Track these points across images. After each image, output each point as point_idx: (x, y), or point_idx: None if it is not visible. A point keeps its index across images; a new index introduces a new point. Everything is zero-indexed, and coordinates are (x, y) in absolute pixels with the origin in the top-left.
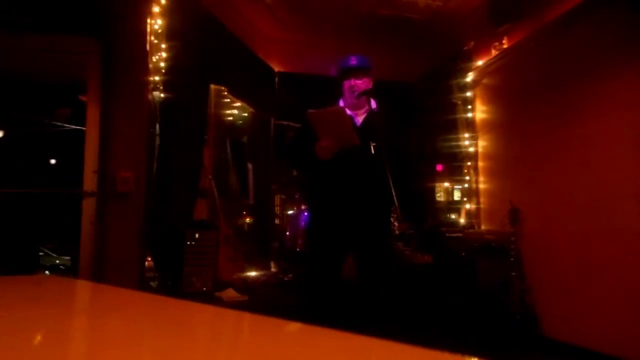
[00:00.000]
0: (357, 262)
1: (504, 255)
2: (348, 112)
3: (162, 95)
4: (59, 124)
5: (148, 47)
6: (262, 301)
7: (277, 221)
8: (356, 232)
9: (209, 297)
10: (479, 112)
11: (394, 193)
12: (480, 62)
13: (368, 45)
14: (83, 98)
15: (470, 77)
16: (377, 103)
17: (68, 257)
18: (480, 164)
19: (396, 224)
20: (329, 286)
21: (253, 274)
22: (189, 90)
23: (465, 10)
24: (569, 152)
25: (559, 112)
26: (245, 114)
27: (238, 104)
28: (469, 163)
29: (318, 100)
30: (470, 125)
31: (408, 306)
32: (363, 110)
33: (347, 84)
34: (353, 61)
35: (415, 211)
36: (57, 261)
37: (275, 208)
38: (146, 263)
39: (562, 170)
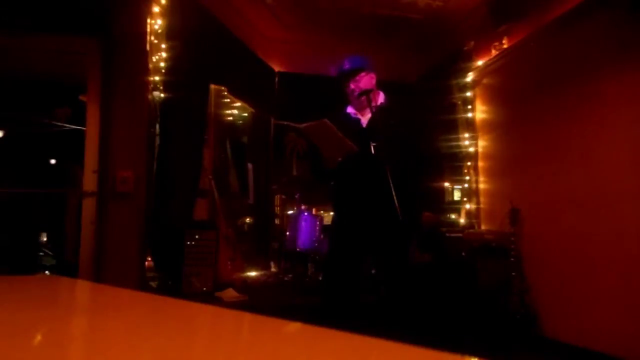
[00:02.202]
0: (376, 263)
1: (504, 255)
2: (354, 114)
3: (162, 95)
4: (59, 124)
5: (148, 47)
6: (262, 301)
7: (277, 221)
8: (371, 234)
9: (209, 297)
10: (479, 112)
11: (393, 193)
12: (480, 62)
13: (368, 45)
14: (83, 98)
15: (470, 77)
16: (387, 97)
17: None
18: (480, 164)
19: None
20: (346, 287)
21: (253, 274)
22: (189, 90)
23: (465, 10)
24: (569, 152)
25: (559, 112)
26: (245, 114)
27: (238, 104)
28: (469, 163)
29: (318, 100)
30: (470, 125)
31: (408, 306)
32: (367, 110)
33: (347, 88)
34: (345, 65)
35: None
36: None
37: (275, 208)
38: (146, 263)
39: (562, 170)
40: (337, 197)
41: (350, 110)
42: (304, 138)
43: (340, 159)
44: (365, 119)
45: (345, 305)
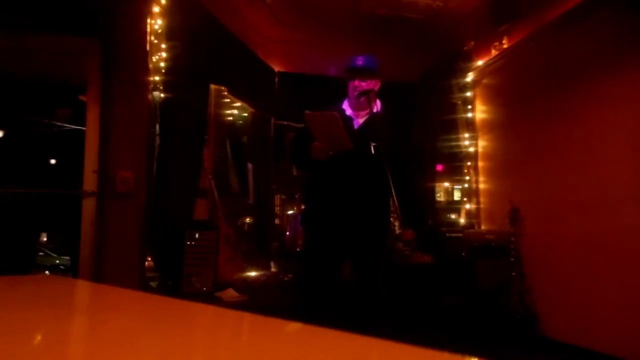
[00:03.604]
0: (353, 265)
1: (504, 255)
2: (349, 113)
3: (162, 95)
4: (59, 124)
5: (148, 47)
6: (262, 301)
7: (277, 221)
8: (353, 235)
9: (209, 297)
10: (479, 112)
11: (394, 194)
12: (480, 62)
13: (368, 45)
14: (83, 98)
15: (470, 77)
16: (383, 105)
17: (67, 257)
18: (480, 164)
19: (396, 224)
20: (325, 289)
21: (253, 274)
22: (189, 90)
23: (465, 10)
24: (569, 152)
25: (559, 112)
26: (245, 114)
27: (238, 104)
28: (469, 163)
29: (318, 101)
30: (470, 125)
31: (408, 306)
32: (365, 112)
33: (351, 84)
34: (359, 61)
35: (416, 212)
36: (57, 261)
37: (275, 208)
38: (146, 263)
39: (562, 170)
40: (316, 191)
41: (345, 106)
42: (301, 123)
43: (331, 153)
44: (358, 120)
45: (321, 307)
